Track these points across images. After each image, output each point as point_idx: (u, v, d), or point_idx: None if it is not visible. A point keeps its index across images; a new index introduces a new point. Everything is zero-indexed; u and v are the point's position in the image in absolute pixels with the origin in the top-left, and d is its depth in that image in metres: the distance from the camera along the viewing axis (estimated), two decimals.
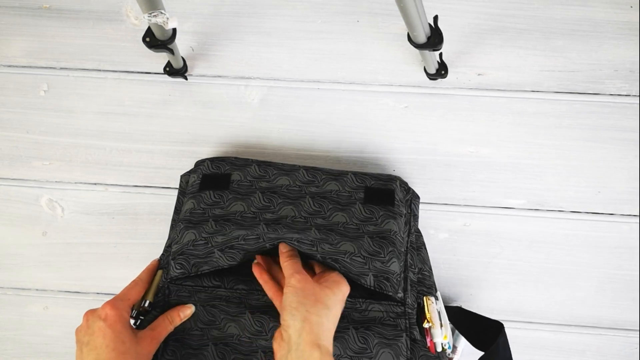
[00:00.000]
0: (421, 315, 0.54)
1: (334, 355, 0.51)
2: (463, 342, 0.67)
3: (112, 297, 0.51)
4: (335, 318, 0.48)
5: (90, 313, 0.50)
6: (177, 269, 0.54)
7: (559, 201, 0.68)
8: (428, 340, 0.53)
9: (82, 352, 0.48)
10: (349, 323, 0.52)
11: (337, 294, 0.50)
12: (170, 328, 0.52)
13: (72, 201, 0.70)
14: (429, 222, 0.68)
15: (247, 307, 0.53)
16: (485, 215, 0.68)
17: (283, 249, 0.54)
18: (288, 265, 0.51)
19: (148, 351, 0.49)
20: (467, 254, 0.68)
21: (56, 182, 0.70)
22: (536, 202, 0.68)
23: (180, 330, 0.53)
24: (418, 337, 0.52)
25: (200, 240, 0.54)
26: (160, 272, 0.56)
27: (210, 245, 0.54)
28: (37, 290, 0.71)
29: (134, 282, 0.53)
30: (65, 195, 0.70)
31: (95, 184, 0.70)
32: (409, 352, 0.51)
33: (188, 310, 0.53)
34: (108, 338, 0.47)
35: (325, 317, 0.47)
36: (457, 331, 0.67)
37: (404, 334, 0.51)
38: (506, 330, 0.69)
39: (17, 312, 0.71)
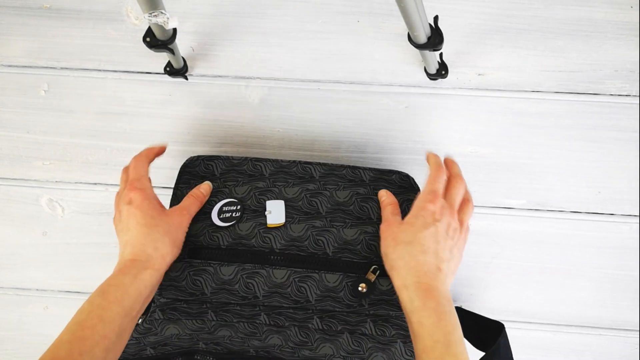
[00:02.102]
0: None
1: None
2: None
3: None
4: None
5: (117, 200, 0.53)
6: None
7: (559, 201, 0.68)
8: None
9: (120, 238, 0.51)
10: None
11: None
12: (198, 203, 0.54)
13: (72, 201, 0.70)
14: None
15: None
16: (485, 215, 0.68)
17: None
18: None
19: (179, 221, 0.52)
20: (467, 254, 0.68)
21: (56, 182, 0.70)
22: (536, 202, 0.68)
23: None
24: None
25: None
26: None
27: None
28: (37, 290, 0.71)
29: (136, 159, 0.55)
30: (65, 195, 0.70)
31: (95, 183, 0.70)
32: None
33: (205, 185, 0.56)
34: (138, 217, 0.50)
35: None
36: None
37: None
38: (506, 330, 0.69)
39: (18, 312, 0.71)
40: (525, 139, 0.68)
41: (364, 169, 0.59)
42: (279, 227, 0.55)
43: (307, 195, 0.57)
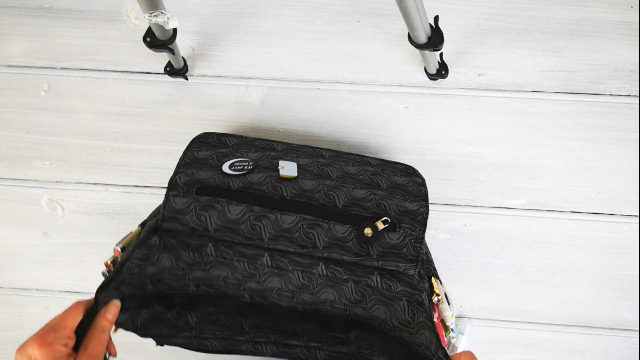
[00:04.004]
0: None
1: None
2: (464, 342, 0.67)
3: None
4: None
5: (19, 351, 0.41)
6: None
7: (559, 201, 0.68)
8: (435, 315, 0.52)
9: None
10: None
11: None
12: (106, 337, 0.45)
13: (72, 201, 0.70)
14: (429, 222, 0.68)
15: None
16: (485, 215, 0.68)
17: None
18: None
19: None
20: (467, 254, 0.68)
21: (56, 182, 0.70)
22: (536, 202, 0.68)
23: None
24: (426, 301, 0.51)
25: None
26: (138, 229, 0.53)
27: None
28: (37, 290, 0.71)
29: (70, 307, 0.44)
30: (65, 195, 0.70)
31: (95, 184, 0.70)
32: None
33: (114, 308, 0.46)
34: None
35: None
36: (457, 331, 0.68)
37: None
38: (506, 330, 0.70)
39: (18, 312, 0.71)
40: (525, 139, 0.68)
41: (370, 157, 0.59)
42: (291, 179, 0.53)
43: (318, 164, 0.56)
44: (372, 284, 0.50)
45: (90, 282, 0.70)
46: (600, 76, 0.68)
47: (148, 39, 0.56)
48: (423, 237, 0.52)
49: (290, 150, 0.58)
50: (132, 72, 0.70)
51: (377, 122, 0.69)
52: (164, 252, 0.49)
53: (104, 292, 0.45)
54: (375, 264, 0.50)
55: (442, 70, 0.66)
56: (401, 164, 0.59)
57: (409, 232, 0.51)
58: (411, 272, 0.50)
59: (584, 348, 0.68)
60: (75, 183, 0.70)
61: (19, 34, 0.71)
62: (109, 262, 0.50)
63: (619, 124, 0.67)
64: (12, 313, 0.71)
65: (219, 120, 0.70)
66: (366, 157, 0.59)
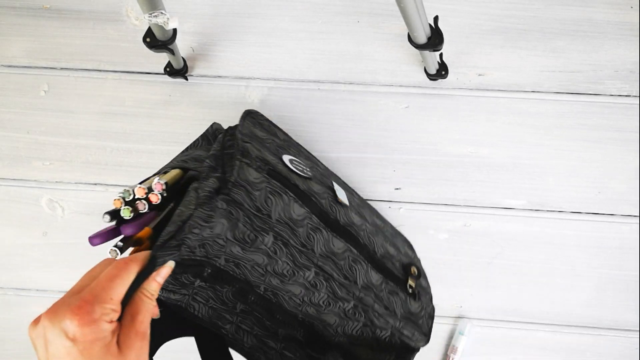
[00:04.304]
0: None
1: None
2: (463, 342, 0.67)
3: None
4: None
5: (51, 319, 0.31)
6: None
7: (560, 201, 0.68)
8: None
9: None
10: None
11: None
12: (154, 302, 0.36)
13: (72, 201, 0.70)
14: (429, 222, 0.68)
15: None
16: (485, 216, 0.68)
17: None
18: None
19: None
20: (467, 254, 0.68)
21: (56, 182, 0.70)
22: (536, 202, 0.68)
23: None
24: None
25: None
26: (179, 172, 0.46)
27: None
28: (37, 290, 0.71)
29: (119, 270, 0.35)
30: (65, 196, 0.70)
31: (95, 184, 0.70)
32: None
33: (167, 270, 0.38)
34: None
35: None
36: (457, 331, 0.68)
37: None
38: (506, 330, 0.70)
39: (17, 312, 0.71)
40: (525, 139, 0.68)
41: (384, 218, 0.64)
42: (344, 206, 0.52)
43: (355, 203, 0.57)
44: (378, 334, 0.51)
45: None
46: (600, 76, 0.68)
47: (148, 40, 0.56)
48: (434, 318, 0.56)
49: (331, 174, 0.59)
50: (132, 72, 0.70)
51: (377, 122, 0.69)
52: (222, 217, 0.43)
53: (164, 251, 0.39)
54: (397, 324, 0.52)
55: (442, 71, 0.66)
56: (402, 235, 0.65)
57: (425, 306, 0.54)
58: (421, 344, 0.53)
59: (584, 348, 0.68)
60: (75, 183, 0.70)
61: (19, 34, 0.71)
62: (144, 188, 0.42)
63: (619, 124, 0.67)
64: (12, 313, 0.71)
65: (218, 121, 0.69)
66: (382, 216, 0.63)
